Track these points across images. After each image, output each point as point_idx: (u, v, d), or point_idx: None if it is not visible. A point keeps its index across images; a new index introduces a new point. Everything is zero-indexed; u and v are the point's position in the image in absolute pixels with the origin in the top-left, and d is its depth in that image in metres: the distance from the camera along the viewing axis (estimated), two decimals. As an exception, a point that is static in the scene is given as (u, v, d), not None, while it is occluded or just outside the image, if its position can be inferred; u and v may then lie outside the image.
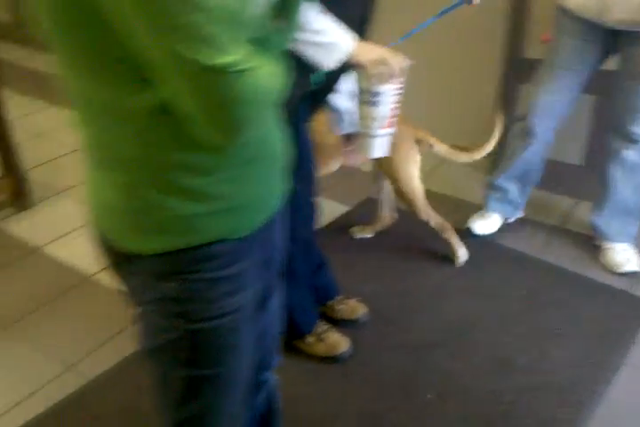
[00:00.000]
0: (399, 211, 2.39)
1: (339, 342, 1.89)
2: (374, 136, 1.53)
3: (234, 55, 0.67)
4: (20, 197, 2.61)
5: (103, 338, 1.99)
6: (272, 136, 0.90)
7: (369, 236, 2.43)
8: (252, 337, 1.00)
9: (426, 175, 2.16)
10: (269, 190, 0.93)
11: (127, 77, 0.74)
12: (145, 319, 0.95)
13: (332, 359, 1.86)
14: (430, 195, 2.17)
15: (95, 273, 2.27)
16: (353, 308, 2.03)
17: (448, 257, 2.27)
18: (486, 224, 2.43)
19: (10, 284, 2.24)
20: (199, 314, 0.90)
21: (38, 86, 3.76)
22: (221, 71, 0.66)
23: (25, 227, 2.54)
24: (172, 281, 0.87)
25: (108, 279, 2.18)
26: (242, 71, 0.67)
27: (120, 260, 0.91)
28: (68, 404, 1.77)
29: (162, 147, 0.79)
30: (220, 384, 0.98)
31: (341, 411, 1.73)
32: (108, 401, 1.78)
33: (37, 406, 1.76)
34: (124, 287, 0.98)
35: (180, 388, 0.97)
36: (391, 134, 1.55)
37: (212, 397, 0.99)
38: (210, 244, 0.86)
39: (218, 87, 0.67)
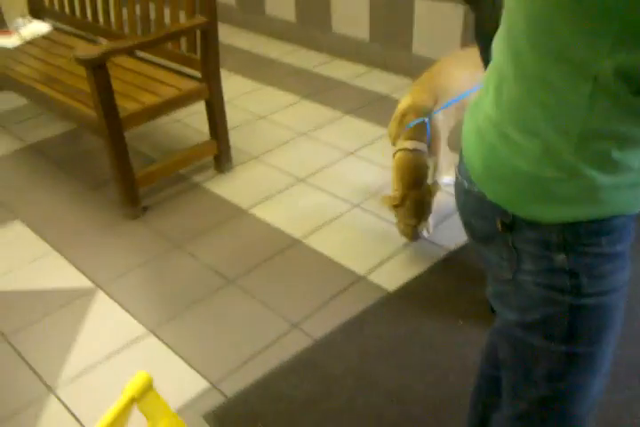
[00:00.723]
0: None
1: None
2: None
3: None
4: (222, 160, 2.71)
5: (323, 300, 2.04)
6: None
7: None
8: (622, 317, 0.97)
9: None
10: None
11: (611, 36, 0.69)
12: (520, 290, 0.93)
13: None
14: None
15: (304, 236, 2.33)
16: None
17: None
18: None
19: (225, 241, 2.34)
20: (587, 289, 0.88)
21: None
22: None
23: (228, 188, 2.64)
24: (567, 253, 0.85)
25: (316, 243, 2.28)
26: None
27: (508, 226, 0.89)
28: (298, 362, 1.83)
29: (603, 113, 0.76)
30: (591, 364, 0.96)
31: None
32: (335, 362, 1.83)
33: (268, 362, 1.83)
34: (497, 253, 0.94)
35: (551, 364, 0.95)
36: None
37: (582, 376, 0.96)
38: (610, 218, 0.84)
39: None
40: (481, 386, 1.34)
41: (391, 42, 3.51)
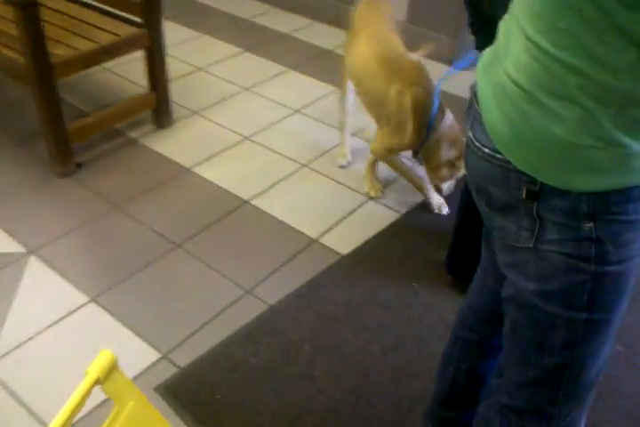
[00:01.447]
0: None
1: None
2: None
3: None
4: (161, 114, 2.54)
5: (275, 264, 1.97)
6: None
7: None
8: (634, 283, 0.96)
9: None
10: None
11: None
12: (541, 259, 0.90)
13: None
14: None
15: (252, 197, 2.23)
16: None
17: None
18: None
19: (169, 202, 2.21)
20: (611, 257, 0.87)
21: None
22: None
23: (168, 145, 2.48)
24: (595, 221, 0.83)
25: (265, 205, 2.19)
26: None
27: (535, 194, 0.85)
28: (253, 329, 1.76)
29: None
30: (607, 330, 0.95)
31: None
32: (292, 328, 1.77)
33: (222, 330, 1.75)
34: (516, 222, 0.90)
35: (569, 331, 0.93)
36: None
37: (597, 342, 0.96)
38: (637, 185, 0.82)
39: None
40: (452, 351, 1.32)
41: (336, -7, 3.37)
